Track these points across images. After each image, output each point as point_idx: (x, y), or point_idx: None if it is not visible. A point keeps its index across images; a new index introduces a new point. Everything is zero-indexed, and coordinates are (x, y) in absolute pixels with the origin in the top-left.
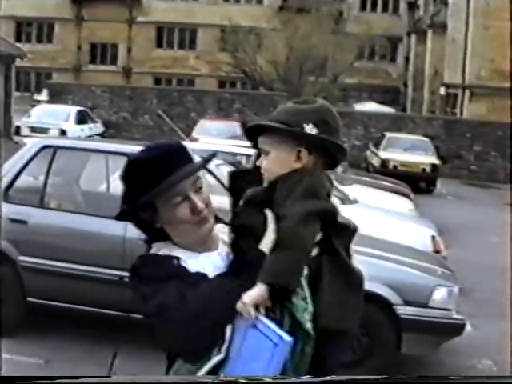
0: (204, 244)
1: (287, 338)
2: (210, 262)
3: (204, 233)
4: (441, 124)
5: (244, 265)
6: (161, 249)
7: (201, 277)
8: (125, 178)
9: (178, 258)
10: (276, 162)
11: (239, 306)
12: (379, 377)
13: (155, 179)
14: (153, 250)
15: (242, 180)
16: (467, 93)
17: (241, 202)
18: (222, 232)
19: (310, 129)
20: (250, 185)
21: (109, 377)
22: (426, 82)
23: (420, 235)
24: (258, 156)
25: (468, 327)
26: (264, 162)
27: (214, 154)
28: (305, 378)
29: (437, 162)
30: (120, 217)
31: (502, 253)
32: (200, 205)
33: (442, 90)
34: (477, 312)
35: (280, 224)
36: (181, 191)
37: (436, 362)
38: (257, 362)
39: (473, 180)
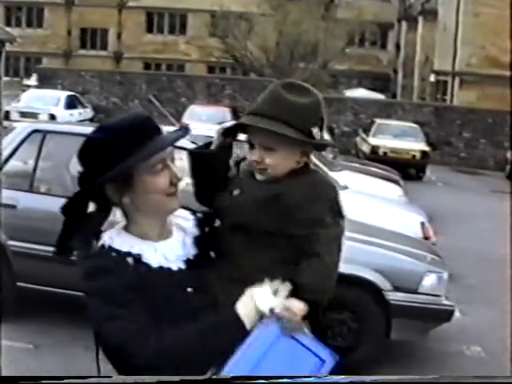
0: (162, 227)
1: (335, 357)
2: (170, 252)
3: (173, 208)
4: (431, 111)
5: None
6: (113, 238)
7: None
8: (97, 148)
9: (137, 257)
10: (282, 160)
11: (286, 314)
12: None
13: (134, 146)
14: (105, 239)
15: (203, 160)
16: (457, 80)
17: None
18: (176, 216)
19: (316, 133)
20: (211, 167)
21: (110, 377)
22: (416, 68)
23: (409, 221)
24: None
25: (457, 313)
26: (268, 159)
27: (188, 130)
28: (299, 379)
29: (426, 148)
30: (84, 191)
31: (490, 240)
32: (178, 175)
33: (432, 77)
34: (465, 298)
35: (313, 233)
36: (162, 159)
37: (424, 347)
38: (289, 371)
39: (462, 167)
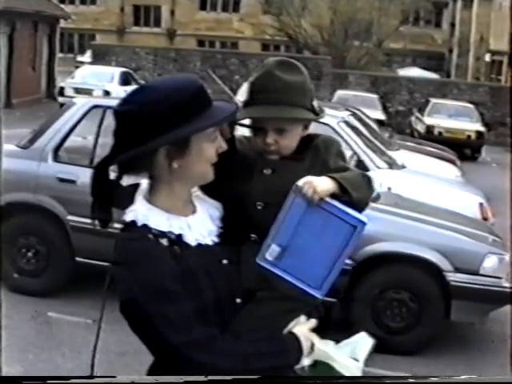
0: (188, 199)
1: (364, 219)
2: (203, 228)
3: (211, 177)
4: (486, 91)
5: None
6: (147, 214)
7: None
8: (154, 109)
9: (176, 237)
10: (294, 138)
11: (306, 186)
12: None
13: (192, 112)
14: (137, 214)
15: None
16: None
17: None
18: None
19: (317, 106)
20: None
21: (114, 376)
22: (471, 48)
23: (468, 202)
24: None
25: None
26: (281, 141)
27: (238, 106)
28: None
29: (482, 129)
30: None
31: None
32: (224, 145)
33: (488, 57)
34: None
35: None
36: (216, 128)
37: (484, 330)
38: (327, 239)
39: None
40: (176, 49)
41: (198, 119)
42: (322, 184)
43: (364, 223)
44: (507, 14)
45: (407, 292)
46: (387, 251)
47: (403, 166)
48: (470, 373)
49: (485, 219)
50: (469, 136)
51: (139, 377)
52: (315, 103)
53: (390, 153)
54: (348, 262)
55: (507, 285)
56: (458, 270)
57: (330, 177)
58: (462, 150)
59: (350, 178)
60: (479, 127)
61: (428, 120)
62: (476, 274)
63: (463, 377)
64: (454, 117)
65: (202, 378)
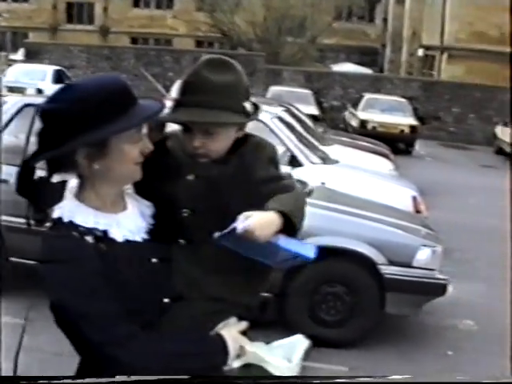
0: (119, 198)
1: (311, 254)
2: (132, 224)
3: (137, 177)
4: (419, 85)
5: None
6: (73, 211)
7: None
8: (73, 110)
9: (102, 233)
10: (223, 141)
11: (245, 235)
12: None
13: (114, 112)
14: (63, 211)
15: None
16: (445, 54)
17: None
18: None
19: (249, 107)
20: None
21: (113, 376)
22: (404, 43)
23: (401, 195)
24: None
25: (449, 287)
26: (209, 144)
27: (163, 104)
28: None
29: (415, 123)
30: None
31: (481, 214)
32: (149, 146)
33: (420, 52)
34: (457, 272)
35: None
36: (139, 128)
37: (418, 321)
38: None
39: (451, 142)
40: (109, 46)
41: (119, 120)
42: (265, 228)
43: (311, 258)
44: (439, 9)
45: (342, 286)
46: (322, 246)
47: (337, 161)
48: (405, 364)
49: (418, 212)
50: (402, 130)
51: (138, 377)
52: (248, 104)
53: (323, 148)
54: None
55: (440, 276)
56: (391, 262)
57: (276, 210)
58: (396, 144)
59: (294, 208)
60: (412, 121)
61: (362, 115)
62: (409, 266)
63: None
64: (388, 111)
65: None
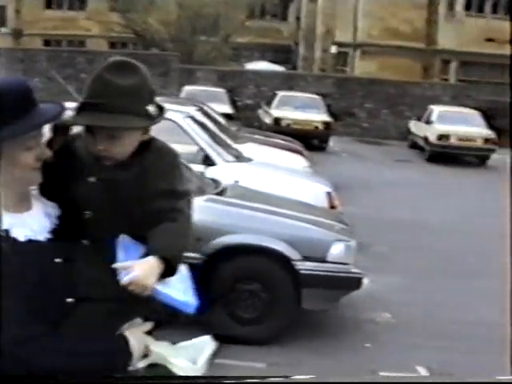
0: (22, 199)
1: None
2: (37, 225)
3: (36, 181)
4: (333, 82)
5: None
6: None
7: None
8: None
9: (4, 232)
10: (127, 145)
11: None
12: None
13: (9, 117)
14: None
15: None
16: (358, 51)
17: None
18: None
19: (152, 110)
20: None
21: (112, 377)
22: (317, 40)
23: (315, 191)
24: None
25: (366, 281)
26: (113, 148)
27: (64, 106)
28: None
29: (329, 119)
30: None
31: (396, 208)
32: (47, 152)
33: (334, 49)
34: (374, 266)
35: (166, 201)
36: (35, 135)
37: (336, 316)
38: None
39: (365, 137)
40: (23, 49)
41: (13, 124)
42: (149, 277)
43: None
44: (352, 7)
45: (258, 283)
46: (236, 243)
47: (250, 159)
48: (323, 358)
49: (332, 208)
50: (316, 127)
51: (137, 376)
52: (151, 107)
53: (237, 146)
54: (197, 255)
55: (355, 270)
56: (306, 258)
57: (158, 256)
58: (310, 140)
59: (175, 247)
60: (326, 118)
61: (276, 112)
62: (323, 261)
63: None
64: (302, 108)
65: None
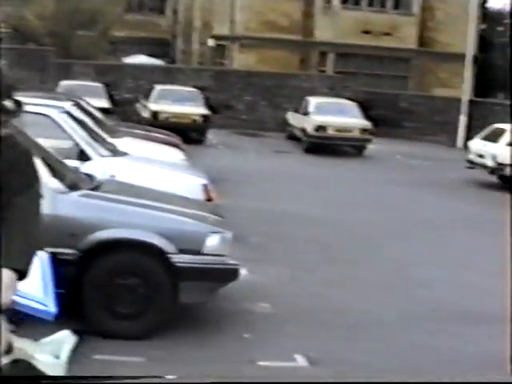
0: None
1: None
2: None
3: None
4: (211, 75)
5: None
6: None
7: None
8: None
9: None
10: None
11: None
12: None
13: None
14: None
15: None
16: (236, 44)
17: None
18: None
19: (8, 104)
20: None
21: (111, 377)
22: (195, 33)
23: (191, 184)
24: None
25: (244, 272)
26: None
27: None
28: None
29: (207, 112)
30: None
31: (274, 199)
32: None
33: (212, 42)
34: (253, 257)
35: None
36: None
37: (215, 308)
38: None
39: (244, 129)
40: None
41: None
42: (8, 292)
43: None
44: (229, 1)
45: (135, 277)
46: (112, 238)
47: (126, 153)
48: (203, 350)
49: (209, 200)
50: (194, 120)
51: (135, 376)
52: (9, 102)
53: (113, 141)
54: (72, 251)
55: (231, 262)
56: (181, 251)
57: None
58: (189, 133)
59: (26, 251)
60: (204, 111)
61: (154, 106)
62: (200, 253)
63: None
64: (180, 102)
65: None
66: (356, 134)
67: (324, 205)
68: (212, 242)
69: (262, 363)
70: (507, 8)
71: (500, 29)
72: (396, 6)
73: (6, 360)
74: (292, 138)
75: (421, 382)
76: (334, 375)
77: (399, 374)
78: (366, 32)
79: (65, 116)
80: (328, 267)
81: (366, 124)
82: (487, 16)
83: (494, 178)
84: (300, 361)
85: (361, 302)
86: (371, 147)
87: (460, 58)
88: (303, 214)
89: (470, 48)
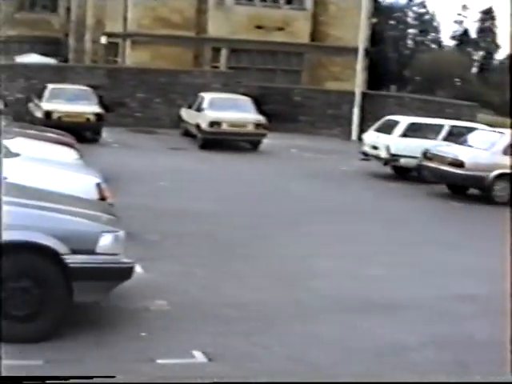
0: None
1: None
2: None
3: None
4: (104, 73)
5: None
6: None
7: None
8: None
9: None
10: None
11: None
12: None
13: None
14: None
15: None
16: (129, 41)
17: None
18: None
19: None
20: None
21: (113, 376)
22: (87, 31)
23: (85, 184)
24: None
25: (140, 270)
26: None
27: None
28: None
29: (101, 110)
30: None
31: (170, 196)
32: None
33: (104, 40)
34: (148, 255)
35: None
36: None
37: (111, 307)
38: None
39: (138, 127)
40: None
41: None
42: None
43: None
44: None
45: (28, 279)
46: (4, 240)
47: (17, 154)
48: (101, 350)
49: (103, 199)
50: (88, 119)
51: (137, 377)
52: None
53: (4, 141)
54: None
55: (125, 260)
56: (74, 251)
57: None
58: (83, 132)
59: None
60: (98, 109)
61: (46, 106)
62: (93, 253)
63: None
64: (73, 101)
65: None
66: (250, 128)
67: (218, 200)
68: (105, 241)
69: (160, 361)
70: (398, 2)
71: (391, 22)
72: (289, 1)
73: None
74: (187, 134)
75: (420, 382)
76: (232, 370)
77: (399, 373)
78: (259, 27)
79: None
80: (223, 262)
81: (260, 119)
82: (379, 10)
83: (388, 169)
84: (198, 357)
85: (257, 295)
86: (266, 142)
87: (352, 51)
88: (198, 210)
89: (361, 41)
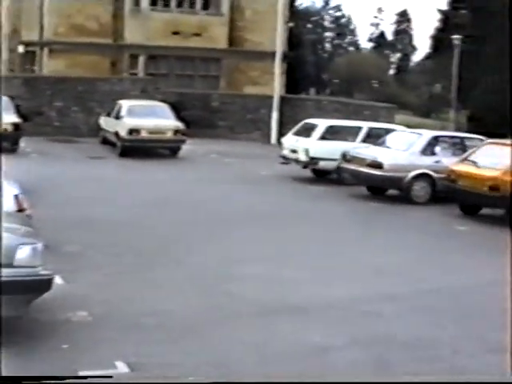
0: None
1: None
2: None
3: None
4: (21, 82)
5: None
6: None
7: None
8: None
9: None
10: None
11: None
12: None
13: None
14: None
15: None
16: (46, 49)
17: None
18: None
19: None
20: None
21: (111, 377)
22: (4, 40)
23: (3, 195)
24: None
25: (59, 281)
26: None
27: None
28: None
29: (18, 120)
30: None
31: (89, 207)
32: None
33: (21, 48)
34: (68, 266)
35: None
36: None
37: (31, 320)
38: None
39: (57, 136)
40: None
41: None
42: None
43: None
44: (37, 4)
45: None
46: None
47: None
48: (27, 364)
49: (21, 211)
50: (5, 129)
51: (136, 376)
52: None
53: None
54: None
55: (44, 272)
56: None
57: None
58: (1, 143)
59: None
60: (15, 119)
61: None
62: (10, 266)
63: None
64: None
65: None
66: (169, 135)
67: (139, 208)
68: (22, 253)
69: (83, 373)
70: (315, 6)
71: (309, 26)
72: (205, 7)
73: None
74: (106, 142)
75: (420, 382)
76: (155, 379)
77: (399, 373)
78: (176, 33)
79: None
80: (144, 271)
81: (179, 125)
82: (296, 14)
83: (308, 172)
84: (121, 367)
85: (178, 302)
86: (186, 148)
87: (270, 55)
88: (117, 220)
89: (279, 46)
